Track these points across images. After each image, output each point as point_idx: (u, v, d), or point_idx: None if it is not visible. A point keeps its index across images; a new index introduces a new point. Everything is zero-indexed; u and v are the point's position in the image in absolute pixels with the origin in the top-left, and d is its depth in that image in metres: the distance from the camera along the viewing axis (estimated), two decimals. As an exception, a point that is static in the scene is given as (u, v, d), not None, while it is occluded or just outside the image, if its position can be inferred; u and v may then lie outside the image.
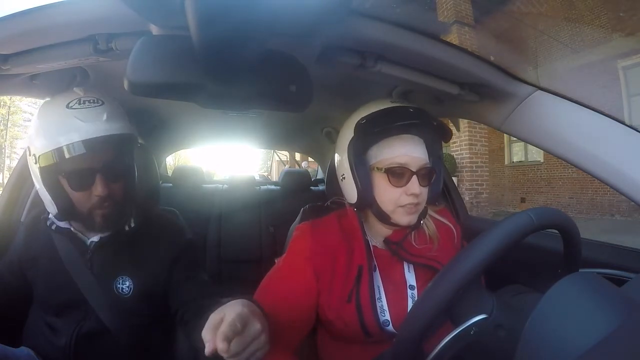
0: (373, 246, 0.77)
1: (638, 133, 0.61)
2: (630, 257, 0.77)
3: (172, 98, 0.57)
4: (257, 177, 3.08)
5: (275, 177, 12.80)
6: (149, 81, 0.50)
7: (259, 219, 1.96)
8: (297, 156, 6.85)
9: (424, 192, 0.73)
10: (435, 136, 0.77)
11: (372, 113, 0.73)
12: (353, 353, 0.74)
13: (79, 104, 0.73)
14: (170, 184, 2.01)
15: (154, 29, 0.53)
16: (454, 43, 0.70)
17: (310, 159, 4.05)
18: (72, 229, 0.80)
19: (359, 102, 0.80)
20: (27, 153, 0.75)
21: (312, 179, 2.25)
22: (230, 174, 2.62)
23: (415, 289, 0.74)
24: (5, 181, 1.12)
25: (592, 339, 0.36)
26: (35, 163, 0.72)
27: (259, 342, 0.50)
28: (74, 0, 0.52)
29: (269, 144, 2.18)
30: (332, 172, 0.88)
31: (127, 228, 0.82)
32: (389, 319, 0.70)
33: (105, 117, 0.73)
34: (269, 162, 18.57)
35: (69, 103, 0.73)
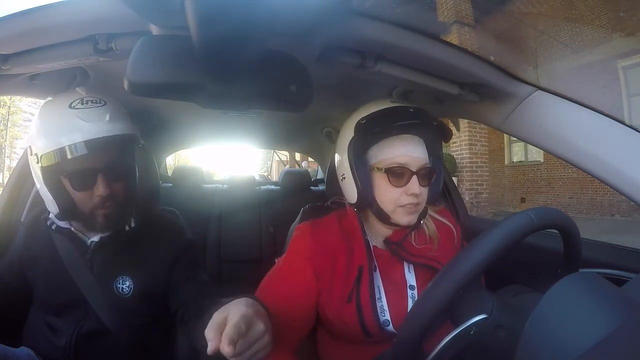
0: (373, 246, 0.77)
1: (638, 133, 0.61)
2: (630, 257, 0.77)
3: (172, 98, 0.57)
4: (257, 177, 3.08)
5: (275, 177, 12.80)
6: (149, 81, 0.50)
7: (259, 219, 1.96)
8: (297, 156, 6.86)
9: (424, 192, 0.73)
10: (435, 136, 0.77)
11: (372, 113, 0.73)
12: (353, 353, 0.74)
13: (82, 104, 0.73)
14: (170, 184, 2.01)
15: (154, 29, 0.53)
16: (454, 43, 0.70)
17: (310, 159, 4.05)
18: (72, 228, 0.80)
19: (359, 102, 0.80)
20: (29, 152, 0.75)
21: (312, 179, 2.25)
22: (230, 174, 2.62)
23: (415, 289, 0.74)
24: (5, 181, 1.12)
25: (592, 339, 0.36)
26: (37, 163, 0.72)
27: (262, 342, 0.50)
28: (74, 0, 0.52)
29: (269, 144, 2.19)
30: (332, 172, 0.88)
31: (127, 228, 0.82)
32: (389, 319, 0.70)
33: (108, 117, 0.73)
34: (269, 162, 18.58)
35: (71, 103, 0.72)
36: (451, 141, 6.17)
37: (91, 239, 0.80)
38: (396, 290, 0.73)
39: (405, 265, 0.76)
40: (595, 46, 6.48)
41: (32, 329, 0.82)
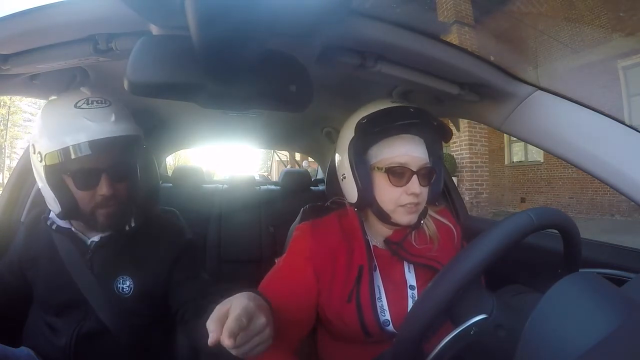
0: (373, 246, 0.77)
1: (638, 133, 0.61)
2: (630, 257, 0.77)
3: (172, 98, 0.57)
4: (257, 177, 3.08)
5: (275, 177, 12.80)
6: (149, 81, 0.50)
7: (259, 219, 1.96)
8: (297, 156, 6.86)
9: (424, 191, 0.73)
10: (436, 136, 0.77)
11: (373, 113, 0.73)
12: (353, 353, 0.74)
13: (87, 104, 0.73)
14: (170, 184, 2.00)
15: (154, 29, 0.53)
16: (454, 43, 0.70)
17: (310, 159, 4.05)
18: (72, 228, 0.80)
19: (359, 102, 0.80)
20: (32, 151, 0.74)
21: (312, 179, 2.24)
22: (230, 174, 2.62)
23: (416, 289, 0.74)
24: (5, 181, 1.12)
25: (592, 339, 0.36)
26: (41, 161, 0.71)
27: (262, 335, 0.50)
28: (74, 0, 0.52)
29: (269, 144, 2.18)
30: (332, 172, 0.88)
31: (127, 228, 0.82)
32: (389, 319, 0.70)
33: (113, 118, 0.73)
34: (269, 162, 18.58)
35: (77, 102, 0.72)
36: (451, 141, 6.17)
37: (91, 239, 0.80)
38: (396, 290, 0.73)
39: (405, 265, 0.76)
40: (595, 46, 6.48)
41: (32, 329, 0.82)
